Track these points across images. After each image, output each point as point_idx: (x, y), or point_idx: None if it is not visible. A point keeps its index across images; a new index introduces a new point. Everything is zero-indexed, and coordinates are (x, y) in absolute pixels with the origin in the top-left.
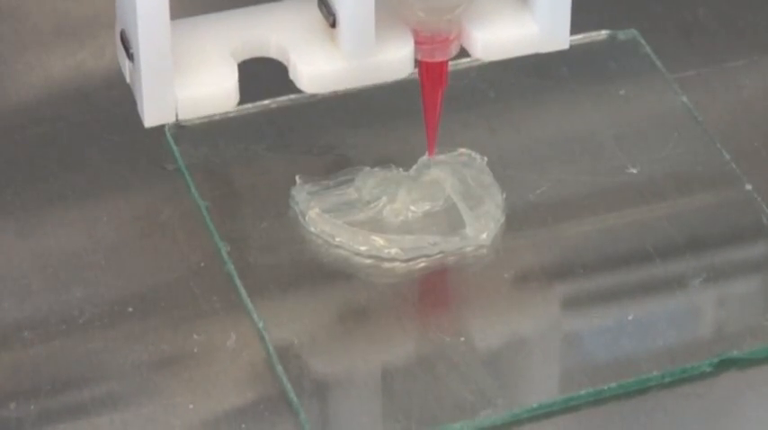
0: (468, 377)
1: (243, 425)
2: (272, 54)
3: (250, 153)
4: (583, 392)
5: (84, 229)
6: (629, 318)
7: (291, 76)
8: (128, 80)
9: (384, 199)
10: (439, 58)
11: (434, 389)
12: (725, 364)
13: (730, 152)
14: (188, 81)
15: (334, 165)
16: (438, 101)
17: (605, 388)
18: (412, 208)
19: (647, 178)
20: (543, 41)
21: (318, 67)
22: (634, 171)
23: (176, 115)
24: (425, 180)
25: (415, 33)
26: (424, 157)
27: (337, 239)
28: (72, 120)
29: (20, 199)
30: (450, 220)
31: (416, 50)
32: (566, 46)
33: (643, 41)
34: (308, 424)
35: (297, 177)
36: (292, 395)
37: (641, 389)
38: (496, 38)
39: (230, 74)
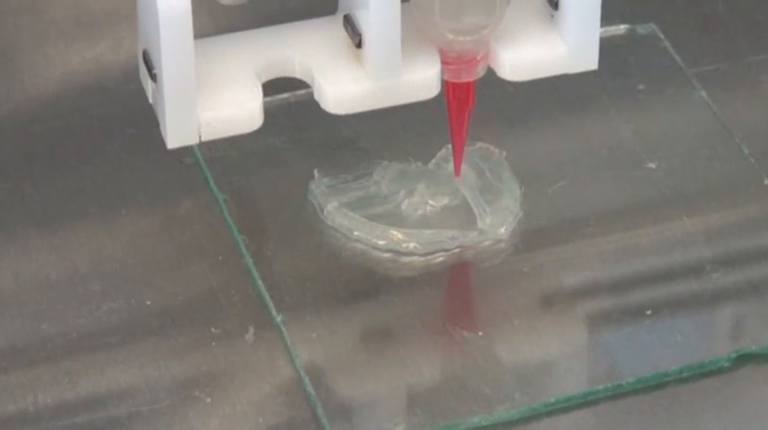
0: (486, 371)
1: (260, 419)
2: (297, 74)
3: (268, 146)
4: (601, 387)
5: (102, 222)
6: (647, 312)
7: (316, 96)
8: (150, 100)
9: (402, 193)
10: (465, 79)
11: (452, 382)
12: (743, 359)
13: (749, 147)
14: (211, 102)
15: (352, 159)
16: (465, 121)
17: (623, 383)
18: (430, 202)
19: (665, 173)
20: (572, 62)
21: (344, 88)
22: (652, 166)
23: (199, 136)
24: (444, 174)
25: (442, 53)
26: (443, 151)
27: (355, 233)
28: (90, 113)
29: (38, 192)
30: (468, 215)
31: (443, 71)
32: (594, 66)
33: (662, 36)
34: (325, 417)
35: (315, 171)
36: (309, 388)
37: (659, 384)
38: (524, 59)
39: (254, 95)
